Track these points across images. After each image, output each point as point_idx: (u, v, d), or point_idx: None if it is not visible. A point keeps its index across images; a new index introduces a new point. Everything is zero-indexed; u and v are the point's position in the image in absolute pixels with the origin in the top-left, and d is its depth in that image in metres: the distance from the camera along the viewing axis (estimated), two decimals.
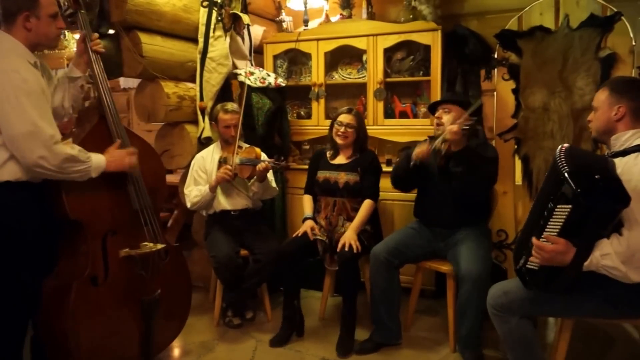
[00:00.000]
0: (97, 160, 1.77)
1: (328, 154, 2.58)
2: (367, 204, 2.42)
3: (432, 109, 2.35)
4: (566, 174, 1.44)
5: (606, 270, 1.47)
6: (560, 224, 1.48)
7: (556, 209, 1.49)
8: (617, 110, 1.60)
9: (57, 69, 2.01)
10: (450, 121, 2.15)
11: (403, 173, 2.31)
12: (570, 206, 1.44)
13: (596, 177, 1.42)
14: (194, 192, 2.56)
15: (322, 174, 2.52)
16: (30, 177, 1.68)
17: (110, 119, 1.89)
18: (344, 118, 2.48)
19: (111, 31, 2.47)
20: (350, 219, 2.44)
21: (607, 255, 1.45)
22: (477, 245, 2.14)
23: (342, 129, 2.46)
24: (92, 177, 1.75)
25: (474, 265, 2.04)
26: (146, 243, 1.93)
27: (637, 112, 1.59)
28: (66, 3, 1.85)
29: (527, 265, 1.60)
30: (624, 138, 1.59)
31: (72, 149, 1.69)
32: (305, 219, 2.50)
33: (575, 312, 1.67)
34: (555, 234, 1.49)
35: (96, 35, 1.91)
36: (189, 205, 2.59)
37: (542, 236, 1.52)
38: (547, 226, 1.52)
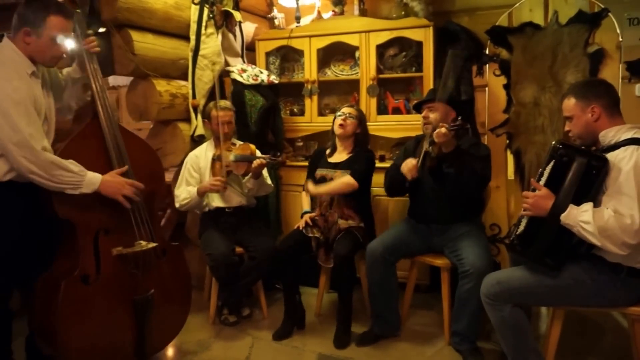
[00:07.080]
0: (92, 177, 1.76)
1: (327, 151, 2.60)
2: (345, 177, 2.37)
3: (418, 107, 2.38)
4: (557, 142, 1.63)
5: (581, 226, 1.54)
6: (546, 177, 1.66)
7: (544, 169, 1.67)
8: (591, 111, 1.67)
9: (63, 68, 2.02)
10: (437, 119, 2.16)
11: (399, 186, 2.33)
12: (553, 160, 1.64)
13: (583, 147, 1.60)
14: (183, 194, 2.55)
15: (319, 172, 2.54)
16: (18, 176, 1.69)
17: (103, 117, 1.87)
18: (346, 109, 2.53)
19: (102, 29, 2.45)
20: (344, 216, 2.45)
21: (586, 212, 1.54)
22: (477, 242, 2.16)
23: (342, 117, 2.49)
24: (84, 192, 1.73)
25: (478, 261, 2.05)
26: (140, 242, 1.92)
27: (609, 108, 1.67)
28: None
29: (516, 232, 1.71)
30: (611, 134, 1.65)
31: (68, 162, 1.70)
32: (304, 213, 2.53)
33: (566, 301, 1.72)
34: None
35: (93, 37, 1.90)
36: (177, 206, 2.59)
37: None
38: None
